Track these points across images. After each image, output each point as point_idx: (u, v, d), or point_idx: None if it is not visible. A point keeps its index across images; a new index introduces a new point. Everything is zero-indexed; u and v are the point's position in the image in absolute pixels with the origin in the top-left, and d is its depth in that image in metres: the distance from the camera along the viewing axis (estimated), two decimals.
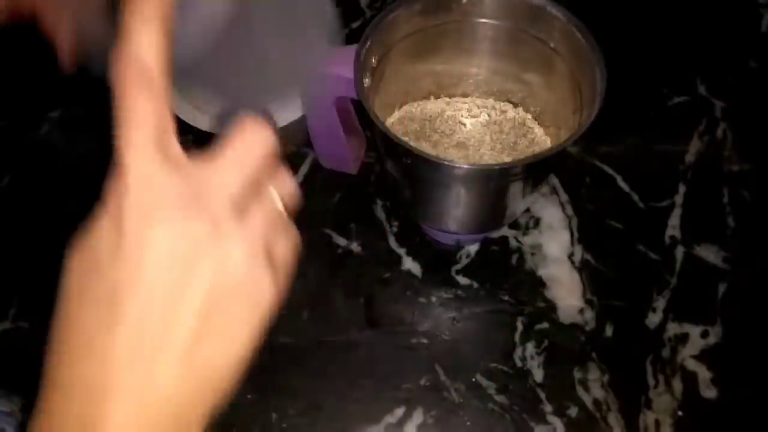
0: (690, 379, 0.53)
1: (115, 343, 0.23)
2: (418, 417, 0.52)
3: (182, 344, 0.23)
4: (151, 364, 0.23)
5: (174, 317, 0.23)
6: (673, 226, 0.60)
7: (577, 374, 0.54)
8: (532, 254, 0.59)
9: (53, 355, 0.24)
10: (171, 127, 0.24)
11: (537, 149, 0.56)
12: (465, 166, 0.44)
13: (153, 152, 0.23)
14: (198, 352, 0.23)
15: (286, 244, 0.27)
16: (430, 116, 0.57)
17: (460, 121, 0.58)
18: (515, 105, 0.58)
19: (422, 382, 0.54)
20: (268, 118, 0.26)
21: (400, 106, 0.57)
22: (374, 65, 0.48)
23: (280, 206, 0.27)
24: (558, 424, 0.52)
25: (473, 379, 0.54)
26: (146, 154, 0.23)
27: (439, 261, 0.59)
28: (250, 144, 0.25)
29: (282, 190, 0.27)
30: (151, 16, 0.23)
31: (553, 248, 0.59)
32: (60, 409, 0.23)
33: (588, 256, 0.59)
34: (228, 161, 0.25)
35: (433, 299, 0.57)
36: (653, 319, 0.56)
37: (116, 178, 0.25)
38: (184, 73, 0.26)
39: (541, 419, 0.52)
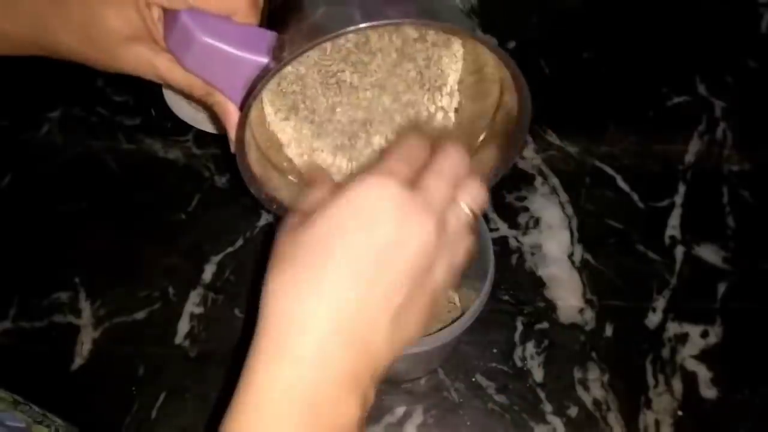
0: (690, 378, 0.53)
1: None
2: (418, 416, 0.52)
3: (396, 307, 0.28)
4: (366, 322, 0.28)
5: (395, 285, 0.28)
6: (673, 226, 0.60)
7: (577, 374, 0.54)
8: (532, 254, 0.59)
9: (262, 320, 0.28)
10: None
11: None
12: None
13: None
14: (401, 317, 0.28)
15: (467, 251, 0.32)
16: None
17: None
18: None
19: (422, 381, 0.54)
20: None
21: None
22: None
23: (470, 216, 0.31)
24: (558, 423, 0.52)
25: (473, 379, 0.54)
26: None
27: None
28: (459, 158, 0.31)
29: (472, 198, 0.31)
30: None
31: (553, 248, 0.59)
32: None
33: (588, 256, 0.59)
34: (445, 173, 0.31)
35: None
36: (653, 319, 0.56)
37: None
38: None
39: (541, 419, 0.52)
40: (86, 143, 0.66)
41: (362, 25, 0.30)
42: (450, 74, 0.44)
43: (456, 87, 0.44)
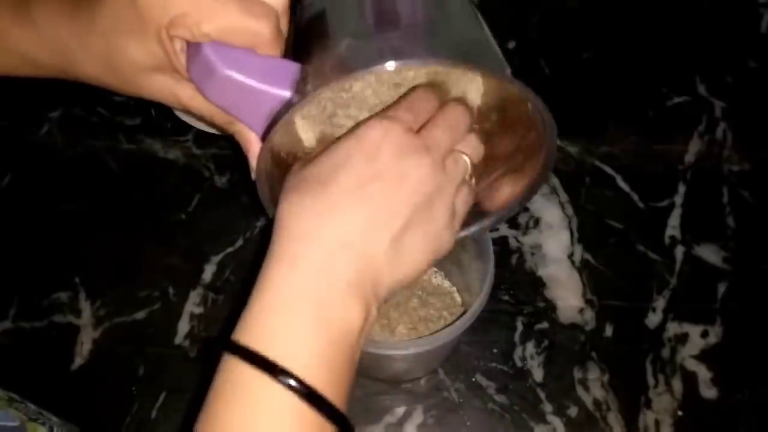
0: (690, 378, 0.53)
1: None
2: (418, 416, 0.52)
3: (397, 230, 0.31)
4: (369, 239, 0.31)
5: (396, 210, 0.31)
6: (673, 226, 0.60)
7: (577, 374, 0.54)
8: (532, 254, 0.59)
9: (276, 235, 0.32)
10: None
11: None
12: None
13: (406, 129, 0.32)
14: (402, 240, 0.31)
15: (467, 198, 0.35)
16: None
17: None
18: None
19: (422, 381, 0.54)
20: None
21: None
22: None
23: (469, 164, 0.35)
24: (558, 423, 0.52)
25: (473, 379, 0.54)
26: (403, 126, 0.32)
27: None
28: (462, 115, 0.34)
29: (471, 150, 0.35)
30: None
31: (553, 248, 0.59)
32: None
33: (588, 256, 0.59)
34: (447, 125, 0.33)
35: None
36: (653, 319, 0.56)
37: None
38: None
39: (541, 419, 0.52)
40: (86, 143, 0.66)
41: (390, 66, 0.30)
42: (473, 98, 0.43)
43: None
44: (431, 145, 0.32)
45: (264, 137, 0.35)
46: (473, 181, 0.36)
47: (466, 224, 0.42)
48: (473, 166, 0.35)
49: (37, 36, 0.36)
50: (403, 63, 0.31)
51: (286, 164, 0.40)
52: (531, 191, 0.40)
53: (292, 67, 0.34)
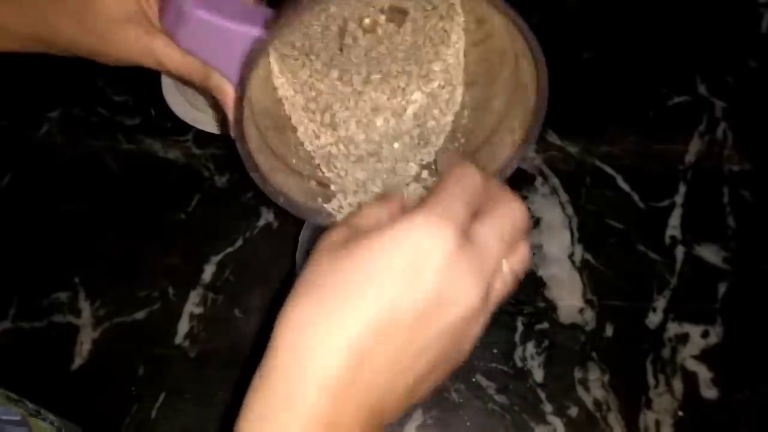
0: (690, 379, 0.53)
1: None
2: (418, 417, 0.52)
3: (422, 369, 0.26)
4: (390, 383, 0.25)
5: (427, 346, 0.25)
6: (674, 226, 0.60)
7: (578, 374, 0.54)
8: (533, 254, 0.59)
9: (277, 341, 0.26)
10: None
11: None
12: None
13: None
14: (426, 377, 0.26)
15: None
16: None
17: None
18: None
19: None
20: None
21: None
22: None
23: (515, 284, 0.28)
24: (558, 424, 0.52)
25: (473, 379, 0.54)
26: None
27: None
28: (521, 214, 0.28)
29: (521, 266, 0.29)
30: None
31: (554, 248, 0.59)
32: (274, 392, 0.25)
33: (588, 256, 0.59)
34: (505, 230, 0.27)
35: None
36: (653, 319, 0.56)
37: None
38: None
39: (542, 419, 0.52)
40: (86, 143, 0.65)
41: None
42: (454, 37, 0.42)
43: (461, 46, 0.41)
44: (485, 259, 0.26)
45: (240, 83, 0.33)
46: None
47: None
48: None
49: (18, 6, 0.35)
50: None
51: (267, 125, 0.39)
52: (528, 139, 0.38)
53: (265, 10, 0.33)
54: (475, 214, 0.27)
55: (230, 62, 0.33)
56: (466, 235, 0.26)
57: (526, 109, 0.37)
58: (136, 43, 0.35)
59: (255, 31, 0.32)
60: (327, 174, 0.43)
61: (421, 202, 0.26)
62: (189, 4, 0.32)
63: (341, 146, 0.43)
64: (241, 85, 0.31)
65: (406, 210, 0.27)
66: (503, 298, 0.28)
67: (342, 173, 0.43)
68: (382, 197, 0.30)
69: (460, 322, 0.25)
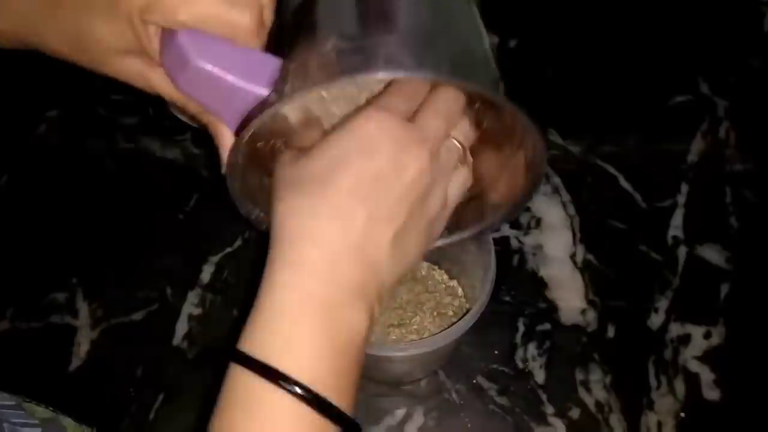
0: (692, 380, 0.53)
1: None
2: (418, 418, 0.52)
3: (397, 227, 0.31)
4: (371, 239, 0.30)
5: (396, 207, 0.31)
6: (676, 226, 0.60)
7: (579, 375, 0.53)
8: (534, 254, 0.59)
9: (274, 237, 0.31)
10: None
11: None
12: None
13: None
14: (402, 237, 0.31)
15: (461, 182, 0.34)
16: None
17: None
18: None
19: (423, 383, 0.53)
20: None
21: None
22: None
23: (460, 149, 0.34)
24: (559, 425, 0.52)
25: (474, 381, 0.53)
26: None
27: None
28: (454, 100, 0.33)
29: (464, 136, 0.34)
30: None
31: (555, 248, 0.59)
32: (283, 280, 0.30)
33: (590, 257, 0.58)
34: (441, 112, 0.33)
35: None
36: (655, 320, 0.56)
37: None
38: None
39: (543, 421, 0.52)
40: (84, 142, 0.65)
41: (377, 75, 0.29)
42: None
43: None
44: (427, 135, 0.31)
45: (237, 132, 0.33)
46: (469, 160, 0.35)
47: (464, 227, 0.42)
48: (464, 148, 0.34)
49: (4, 3, 0.34)
50: (389, 74, 0.29)
51: (263, 153, 0.38)
52: (518, 207, 0.39)
53: (272, 63, 0.32)
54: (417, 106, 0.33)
55: (230, 112, 0.33)
56: (406, 119, 0.31)
57: (517, 185, 0.39)
58: (130, 71, 0.34)
59: (259, 90, 0.31)
60: None
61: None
62: (190, 52, 0.30)
63: None
64: (238, 141, 0.32)
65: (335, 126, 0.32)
66: (453, 162, 0.33)
67: None
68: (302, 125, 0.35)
69: (417, 182, 0.31)
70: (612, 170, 0.63)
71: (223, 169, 0.34)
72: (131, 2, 0.30)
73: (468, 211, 0.41)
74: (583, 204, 0.61)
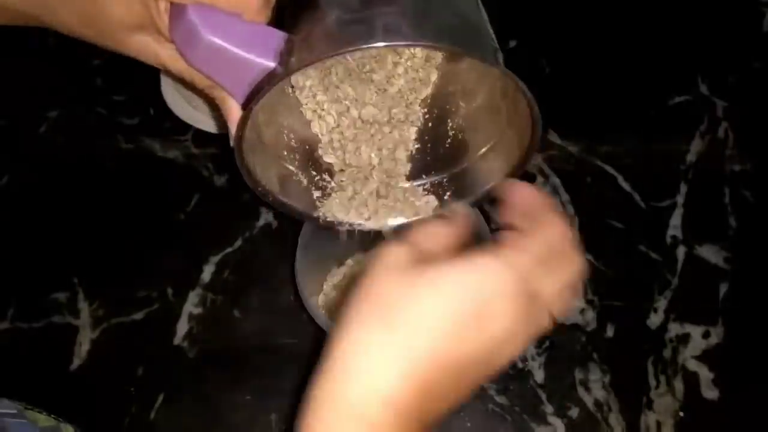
0: (691, 379, 0.53)
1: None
2: None
3: (471, 384, 0.28)
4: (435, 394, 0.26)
5: (476, 381, 0.28)
6: (675, 226, 0.60)
7: (578, 375, 0.53)
8: None
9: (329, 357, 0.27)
10: None
11: None
12: None
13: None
14: (468, 391, 0.28)
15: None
16: None
17: None
18: None
19: None
20: None
21: None
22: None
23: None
24: (559, 424, 0.52)
25: None
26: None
27: None
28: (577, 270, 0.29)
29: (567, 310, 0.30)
30: None
31: None
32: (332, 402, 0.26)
33: (589, 257, 0.59)
34: (560, 286, 0.29)
35: None
36: (654, 320, 0.56)
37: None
38: None
39: (542, 420, 0.52)
40: (85, 143, 0.65)
41: (379, 44, 0.29)
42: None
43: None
44: (541, 310, 0.28)
45: (245, 105, 0.34)
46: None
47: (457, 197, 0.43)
48: None
49: None
50: (391, 44, 0.30)
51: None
52: (517, 170, 0.40)
53: (278, 36, 0.33)
54: (543, 262, 0.28)
55: (238, 85, 0.34)
56: (528, 285, 0.27)
57: (516, 146, 0.39)
58: (141, 47, 0.34)
59: (266, 62, 0.32)
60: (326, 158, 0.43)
61: (497, 244, 0.28)
62: (200, 26, 0.32)
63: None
64: (246, 113, 0.33)
65: (466, 233, 0.30)
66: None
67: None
68: (440, 217, 0.32)
69: (507, 360, 0.28)
70: (611, 170, 0.63)
71: (232, 142, 0.35)
72: None
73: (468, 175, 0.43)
74: (582, 204, 0.61)
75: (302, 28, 0.33)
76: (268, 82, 0.32)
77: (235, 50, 0.32)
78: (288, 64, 0.31)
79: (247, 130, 0.35)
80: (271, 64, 0.32)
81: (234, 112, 0.35)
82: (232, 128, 0.35)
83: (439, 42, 0.31)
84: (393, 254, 0.28)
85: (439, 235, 0.30)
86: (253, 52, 0.32)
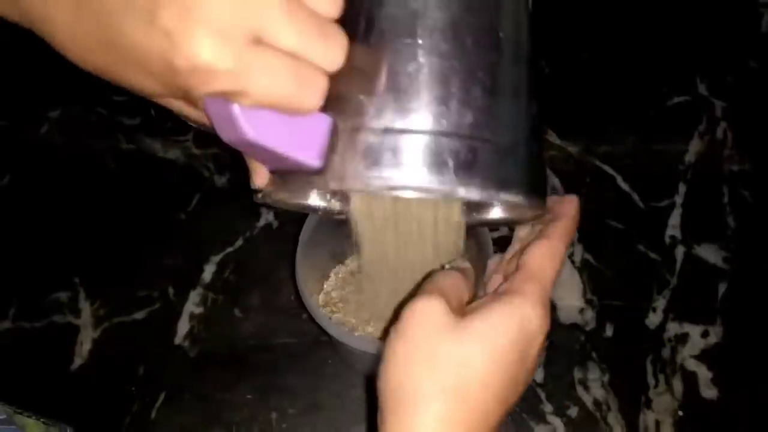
0: (690, 378, 0.53)
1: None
2: None
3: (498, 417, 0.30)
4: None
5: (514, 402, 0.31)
6: (674, 226, 0.60)
7: (578, 374, 0.54)
8: None
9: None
10: None
11: None
12: None
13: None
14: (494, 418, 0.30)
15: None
16: None
17: None
18: None
19: None
20: None
21: None
22: None
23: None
24: (558, 424, 0.52)
25: None
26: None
27: None
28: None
29: None
30: None
31: None
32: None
33: (588, 256, 0.59)
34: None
35: None
36: (653, 319, 0.56)
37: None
38: None
39: (541, 419, 0.52)
40: (86, 143, 0.65)
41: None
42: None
43: None
44: (547, 332, 0.32)
45: (274, 172, 0.33)
46: None
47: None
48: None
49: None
50: (425, 198, 0.30)
51: None
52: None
53: (324, 127, 0.29)
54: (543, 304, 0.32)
55: (272, 164, 0.33)
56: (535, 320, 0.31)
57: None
58: (167, 103, 0.32)
59: (310, 161, 0.29)
60: None
61: (527, 285, 0.31)
62: (245, 125, 0.27)
63: None
64: (274, 190, 0.33)
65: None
66: None
67: None
68: (454, 269, 0.35)
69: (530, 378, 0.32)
70: (610, 170, 0.63)
71: (258, 195, 0.35)
72: (191, 87, 0.26)
73: None
74: (581, 204, 0.61)
75: (348, 121, 0.29)
76: (304, 182, 0.31)
77: (279, 149, 0.29)
78: (331, 169, 0.29)
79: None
80: (315, 163, 0.29)
81: (261, 175, 0.34)
82: (256, 182, 0.34)
83: (486, 194, 0.29)
84: (430, 307, 0.30)
85: (462, 288, 0.32)
86: (298, 151, 0.29)
